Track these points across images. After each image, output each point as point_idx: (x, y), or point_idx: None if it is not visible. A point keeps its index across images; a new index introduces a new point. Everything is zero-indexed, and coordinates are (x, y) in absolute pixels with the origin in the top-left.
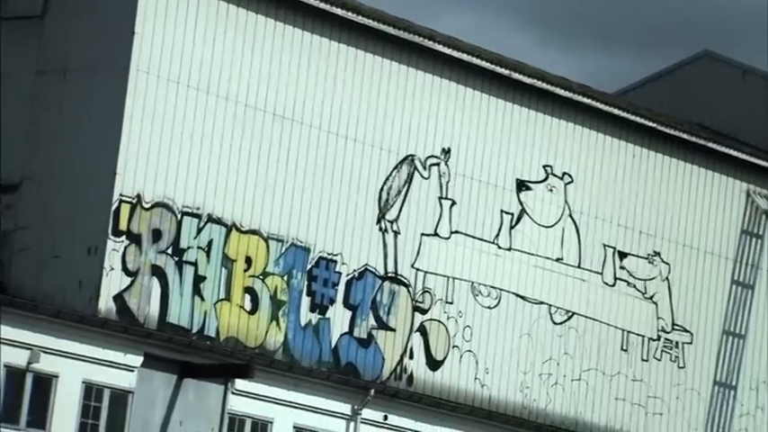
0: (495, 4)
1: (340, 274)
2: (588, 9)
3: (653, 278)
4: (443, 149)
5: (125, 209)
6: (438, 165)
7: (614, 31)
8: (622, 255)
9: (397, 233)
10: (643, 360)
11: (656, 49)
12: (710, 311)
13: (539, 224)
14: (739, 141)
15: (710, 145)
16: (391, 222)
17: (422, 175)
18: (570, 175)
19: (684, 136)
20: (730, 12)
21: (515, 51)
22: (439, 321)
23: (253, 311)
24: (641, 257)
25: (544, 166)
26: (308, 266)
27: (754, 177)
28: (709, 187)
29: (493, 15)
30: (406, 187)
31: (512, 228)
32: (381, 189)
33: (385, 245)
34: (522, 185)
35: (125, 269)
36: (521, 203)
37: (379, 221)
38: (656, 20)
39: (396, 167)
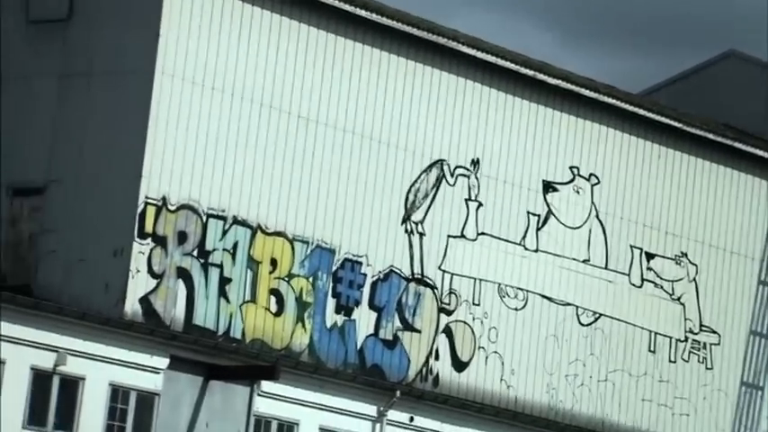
0: (512, 4)
1: (365, 275)
2: (608, 9)
3: (680, 279)
4: (473, 161)
5: (150, 211)
6: (468, 177)
7: (637, 32)
8: (649, 256)
9: (422, 234)
10: (670, 361)
11: (680, 49)
12: (737, 312)
13: (565, 225)
14: (765, 141)
15: (736, 145)
16: (417, 224)
17: (448, 183)
18: (597, 176)
19: (710, 136)
20: (754, 11)
21: (536, 52)
22: (464, 323)
23: (278, 313)
24: (668, 258)
25: (570, 168)
26: (334, 268)
27: None
28: (735, 187)
29: (510, 15)
30: (434, 191)
31: (538, 229)
32: (408, 191)
33: (411, 246)
34: (548, 187)
35: (151, 271)
36: (547, 205)
37: (404, 222)
38: (681, 20)
39: (425, 170)
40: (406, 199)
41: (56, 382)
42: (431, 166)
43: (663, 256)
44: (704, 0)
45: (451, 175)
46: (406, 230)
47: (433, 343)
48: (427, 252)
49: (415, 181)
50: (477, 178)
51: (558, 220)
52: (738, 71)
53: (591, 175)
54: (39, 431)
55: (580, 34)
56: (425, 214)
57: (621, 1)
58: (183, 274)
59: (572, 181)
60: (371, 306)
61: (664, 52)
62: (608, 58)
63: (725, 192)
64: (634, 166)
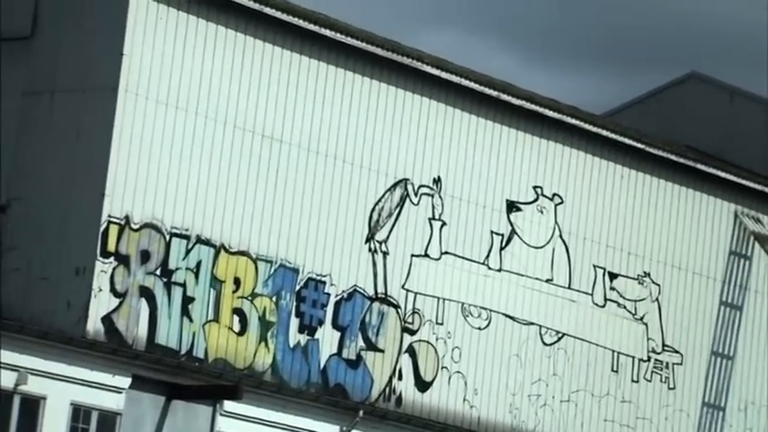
0: (475, 24)
1: (329, 295)
2: (568, 30)
3: (643, 299)
4: (435, 179)
5: (113, 230)
6: (432, 196)
7: (597, 53)
8: (612, 276)
9: (386, 254)
10: (633, 381)
11: (642, 70)
12: (699, 332)
13: (529, 245)
14: (727, 163)
15: (699, 166)
16: (381, 243)
17: (412, 202)
18: (560, 196)
19: (673, 157)
20: (716, 33)
21: (497, 73)
22: (428, 342)
23: (241, 333)
24: (631, 278)
25: (534, 187)
26: (297, 287)
27: (742, 199)
28: (697, 208)
29: (473, 35)
30: (397, 210)
31: (502, 249)
32: (372, 210)
33: (374, 265)
34: (511, 206)
35: (113, 290)
36: (511, 224)
37: (368, 241)
38: (642, 41)
39: (389, 189)
40: (370, 218)
41: (17, 401)
42: (395, 186)
43: (626, 276)
44: (665, 22)
45: (415, 195)
46: (370, 249)
47: (397, 363)
48: (390, 271)
49: (379, 200)
50: (440, 197)
51: (521, 239)
52: (700, 93)
53: (554, 194)
54: None
55: (540, 55)
56: (389, 233)
57: (582, 22)
58: (146, 293)
59: (535, 201)
60: (335, 325)
61: (625, 74)
62: (568, 78)
63: (687, 212)
64: (597, 187)
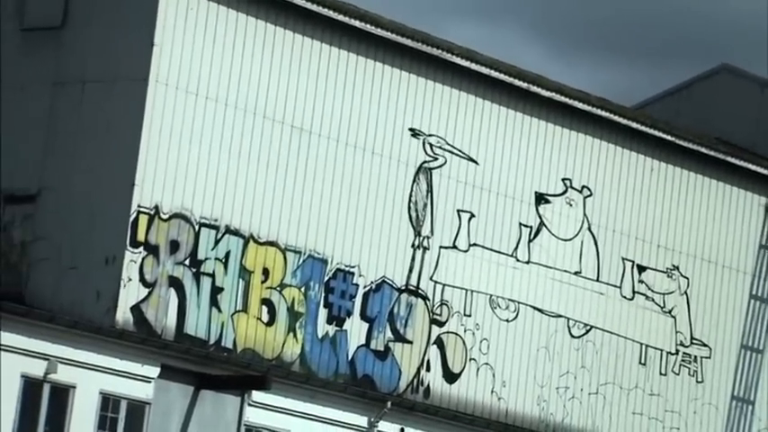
0: (503, 16)
1: (357, 285)
2: (599, 22)
3: (671, 292)
4: (440, 137)
5: (143, 220)
6: (441, 147)
7: (628, 45)
8: (641, 268)
9: (426, 249)
10: (661, 374)
11: (673, 62)
12: (728, 326)
13: (557, 237)
14: (758, 155)
15: (729, 159)
16: (426, 238)
17: (435, 158)
18: (589, 189)
19: (703, 150)
20: (747, 26)
21: (526, 65)
22: (456, 334)
23: (270, 323)
24: (660, 271)
25: (563, 180)
26: (326, 278)
27: None
28: (727, 201)
29: (502, 27)
30: (429, 197)
31: (530, 241)
32: (408, 208)
33: (413, 259)
34: (540, 198)
35: (143, 280)
36: (539, 216)
37: (415, 238)
38: (673, 33)
39: (414, 181)
40: (410, 217)
41: (46, 390)
42: (417, 174)
43: (654, 269)
44: (697, 13)
45: (433, 152)
46: (413, 246)
47: (425, 354)
48: (420, 263)
49: (410, 195)
50: (453, 147)
51: (549, 231)
52: (731, 85)
53: (583, 187)
54: None
55: (570, 47)
56: (432, 227)
57: (612, 14)
58: (175, 283)
59: (564, 193)
60: (363, 317)
61: (656, 66)
62: (599, 71)
63: (717, 206)
64: (626, 179)
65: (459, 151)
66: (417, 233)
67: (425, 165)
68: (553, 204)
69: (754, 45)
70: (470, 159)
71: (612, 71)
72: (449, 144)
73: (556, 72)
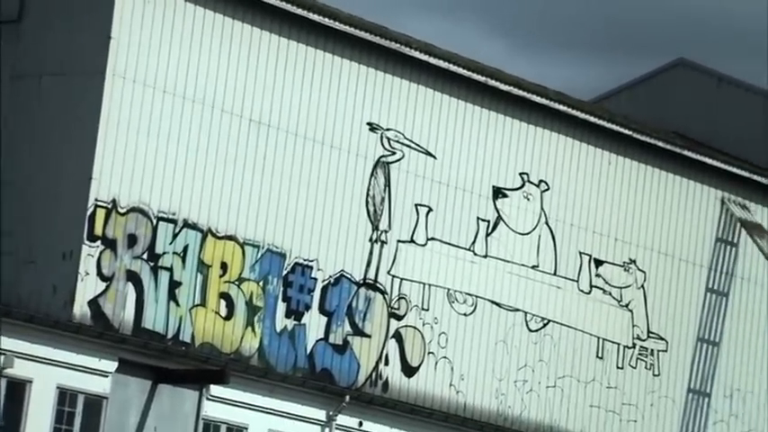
0: (462, 12)
1: (316, 279)
2: (557, 17)
3: (628, 286)
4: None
5: (100, 214)
6: (399, 141)
7: (585, 40)
8: (598, 262)
9: (384, 243)
10: (618, 368)
11: (630, 57)
12: (685, 319)
13: (515, 231)
14: (714, 149)
15: (686, 153)
16: (383, 232)
17: (392, 152)
18: (546, 183)
19: (660, 144)
20: (703, 20)
21: (485, 59)
22: (414, 328)
23: (228, 317)
24: (617, 265)
25: (520, 174)
26: (284, 272)
27: (728, 185)
28: (684, 195)
29: (462, 21)
30: (386, 192)
31: (488, 235)
32: (366, 202)
33: (371, 253)
34: (498, 192)
35: (100, 274)
36: (497, 211)
37: (373, 233)
38: (630, 27)
39: (372, 175)
40: (368, 211)
41: (3, 384)
42: (375, 167)
43: (611, 263)
44: (655, 8)
45: (389, 144)
46: (371, 240)
47: (383, 348)
48: (378, 257)
49: (368, 189)
50: (408, 139)
51: (507, 226)
52: (688, 79)
53: (541, 181)
54: None
55: (528, 41)
56: (389, 221)
57: (569, 8)
58: (133, 277)
59: (522, 187)
60: (322, 311)
61: (613, 60)
62: (559, 66)
63: (674, 199)
64: (584, 173)
65: (417, 145)
66: (375, 227)
67: (383, 159)
68: (510, 198)
69: (711, 39)
70: (428, 153)
71: (572, 66)
72: (406, 138)
73: (516, 67)
